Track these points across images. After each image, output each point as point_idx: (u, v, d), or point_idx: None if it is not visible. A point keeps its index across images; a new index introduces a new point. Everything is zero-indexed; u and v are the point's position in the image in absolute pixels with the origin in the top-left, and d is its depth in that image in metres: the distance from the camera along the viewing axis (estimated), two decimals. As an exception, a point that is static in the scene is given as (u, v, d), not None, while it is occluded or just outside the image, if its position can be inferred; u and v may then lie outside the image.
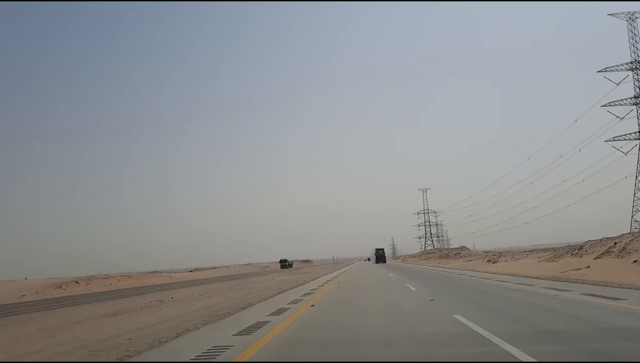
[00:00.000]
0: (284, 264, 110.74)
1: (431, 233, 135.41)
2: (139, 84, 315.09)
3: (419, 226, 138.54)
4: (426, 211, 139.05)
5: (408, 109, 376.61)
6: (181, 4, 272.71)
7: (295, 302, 14.92)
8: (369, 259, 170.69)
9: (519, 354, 5.63)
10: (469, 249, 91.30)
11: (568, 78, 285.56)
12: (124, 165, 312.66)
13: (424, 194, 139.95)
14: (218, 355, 6.72)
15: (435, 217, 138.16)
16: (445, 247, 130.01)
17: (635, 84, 57.51)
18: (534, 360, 5.33)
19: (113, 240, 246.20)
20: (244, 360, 6.27)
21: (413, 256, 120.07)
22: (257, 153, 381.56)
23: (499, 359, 5.58)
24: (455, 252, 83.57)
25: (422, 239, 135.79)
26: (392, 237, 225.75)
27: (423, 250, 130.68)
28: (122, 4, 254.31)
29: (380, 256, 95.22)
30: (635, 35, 58.50)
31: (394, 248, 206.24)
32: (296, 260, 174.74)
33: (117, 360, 6.85)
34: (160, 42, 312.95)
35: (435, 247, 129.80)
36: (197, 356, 6.72)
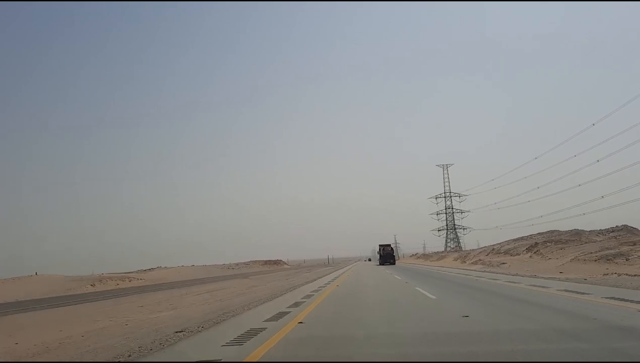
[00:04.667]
0: None
1: (454, 224, 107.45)
2: (139, 80, 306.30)
3: (437, 214, 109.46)
4: (447, 194, 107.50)
5: (408, 103, 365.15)
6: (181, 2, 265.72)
7: None
8: (369, 259, 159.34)
9: None
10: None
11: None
12: (122, 163, 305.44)
13: (445, 171, 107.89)
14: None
15: (460, 201, 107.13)
16: (456, 245, 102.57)
17: None
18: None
19: (110, 237, 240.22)
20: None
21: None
22: (253, 152, 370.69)
23: None
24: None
25: (442, 231, 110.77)
26: (394, 235, 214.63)
27: (445, 245, 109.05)
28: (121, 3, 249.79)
29: (387, 255, 71.63)
30: None
31: (396, 247, 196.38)
32: (259, 261, 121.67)
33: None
34: (161, 38, 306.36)
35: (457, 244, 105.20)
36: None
